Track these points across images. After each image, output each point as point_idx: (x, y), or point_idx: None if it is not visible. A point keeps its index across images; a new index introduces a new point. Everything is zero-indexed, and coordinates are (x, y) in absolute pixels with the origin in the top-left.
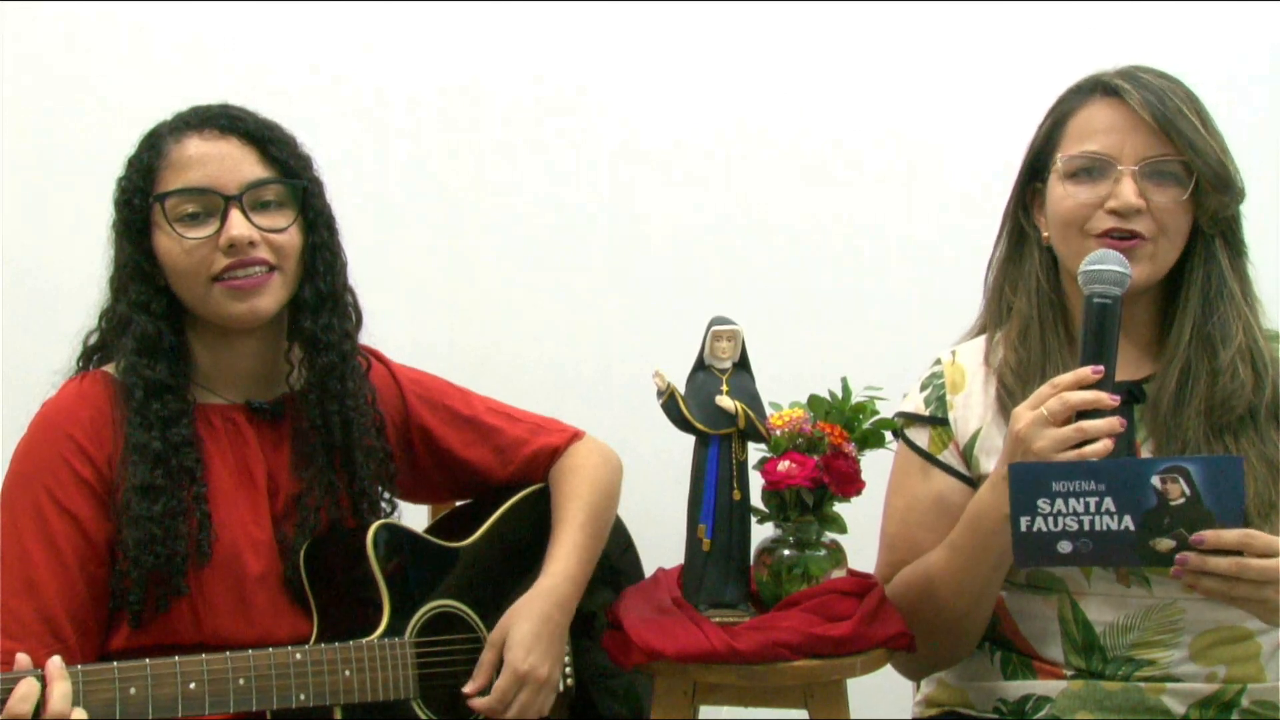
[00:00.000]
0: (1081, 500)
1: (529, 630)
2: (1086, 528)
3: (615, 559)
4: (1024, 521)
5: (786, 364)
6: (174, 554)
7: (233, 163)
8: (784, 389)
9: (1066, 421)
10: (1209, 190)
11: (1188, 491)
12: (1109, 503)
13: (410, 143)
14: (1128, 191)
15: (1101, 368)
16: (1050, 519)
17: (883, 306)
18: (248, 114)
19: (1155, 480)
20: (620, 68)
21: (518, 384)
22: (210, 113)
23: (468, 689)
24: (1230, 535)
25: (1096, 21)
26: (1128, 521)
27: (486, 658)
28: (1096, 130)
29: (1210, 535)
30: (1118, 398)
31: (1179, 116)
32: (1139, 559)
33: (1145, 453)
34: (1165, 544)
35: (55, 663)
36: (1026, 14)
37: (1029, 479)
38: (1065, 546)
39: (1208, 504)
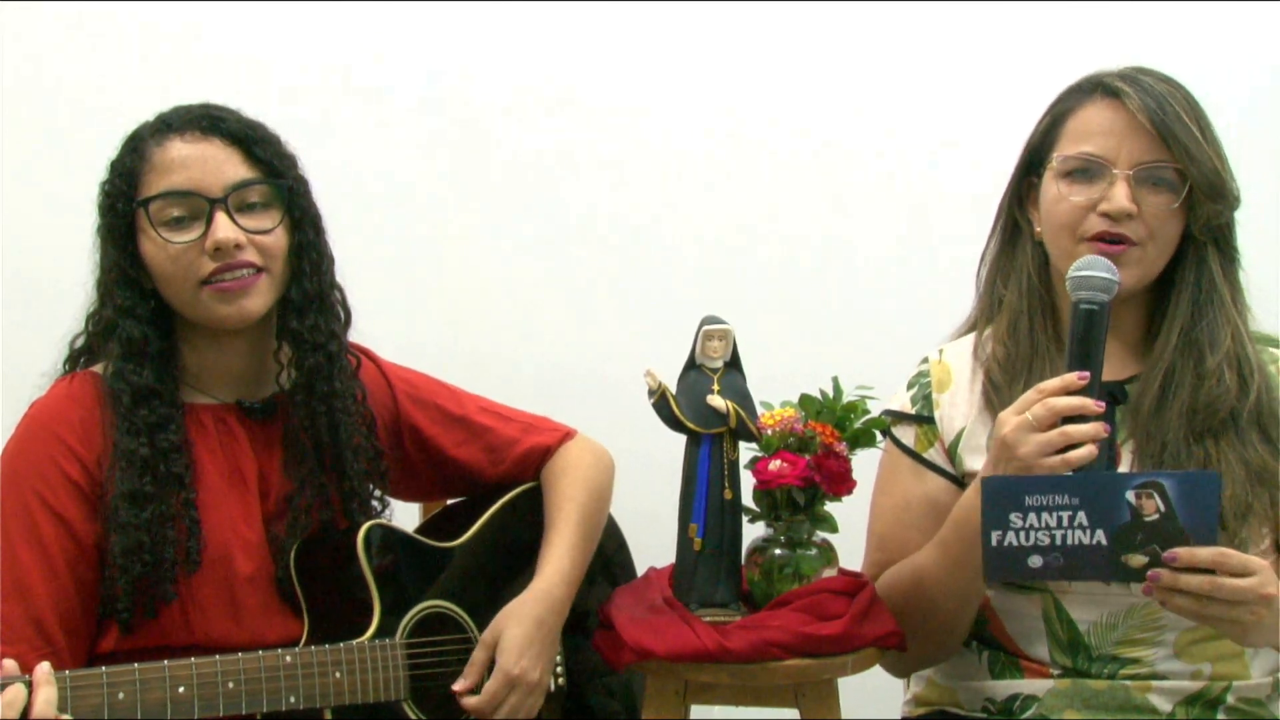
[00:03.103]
0: (1054, 514)
1: (522, 634)
2: (1058, 542)
3: (611, 554)
4: (995, 536)
5: (778, 363)
6: (161, 561)
7: (216, 164)
8: (775, 388)
9: (1052, 427)
10: (1202, 198)
11: (1162, 507)
12: (1082, 517)
13: (405, 140)
14: (1120, 196)
15: (1087, 374)
16: (1022, 533)
17: (874, 306)
18: (230, 113)
19: (1130, 495)
20: (615, 68)
21: (510, 383)
22: (192, 113)
23: (457, 687)
24: (1204, 553)
25: (1091, 24)
26: (1100, 536)
27: (478, 657)
28: (1093, 132)
29: (1184, 553)
30: (1103, 404)
31: (1177, 123)
32: (1110, 574)
33: (1125, 453)
34: (1138, 560)
35: (43, 668)
36: (1025, 16)
37: (1001, 493)
38: (1036, 561)
39: (1182, 521)
